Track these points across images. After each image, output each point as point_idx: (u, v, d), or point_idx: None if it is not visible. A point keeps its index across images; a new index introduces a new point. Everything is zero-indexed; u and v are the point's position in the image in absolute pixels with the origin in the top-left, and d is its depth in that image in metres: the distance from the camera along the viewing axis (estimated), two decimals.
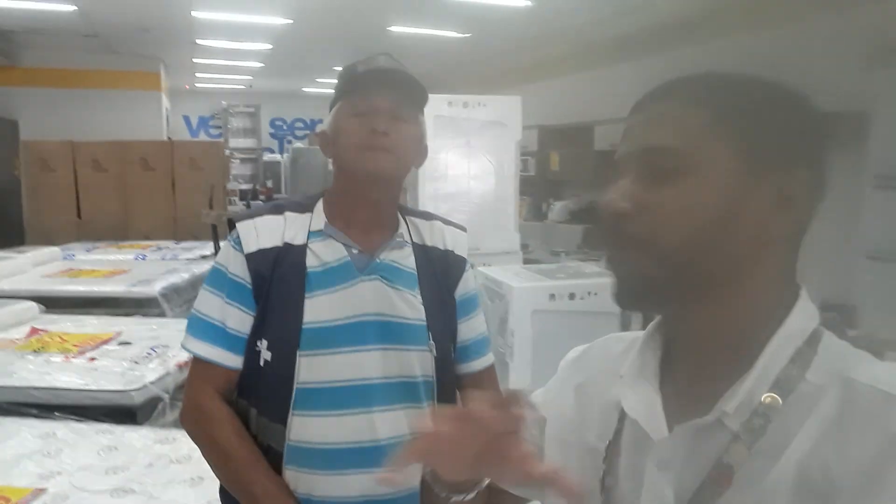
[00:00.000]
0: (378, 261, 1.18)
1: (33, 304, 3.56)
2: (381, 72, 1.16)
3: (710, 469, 0.57)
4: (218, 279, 1.17)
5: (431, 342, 1.17)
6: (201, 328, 1.15)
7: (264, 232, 1.16)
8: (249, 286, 1.15)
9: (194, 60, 8.72)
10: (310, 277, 1.14)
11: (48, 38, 6.97)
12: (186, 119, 12.23)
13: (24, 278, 4.27)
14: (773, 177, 0.58)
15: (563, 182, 7.13)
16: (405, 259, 1.21)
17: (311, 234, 1.18)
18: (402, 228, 1.23)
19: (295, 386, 1.11)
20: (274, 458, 1.13)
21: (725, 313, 0.60)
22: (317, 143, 1.23)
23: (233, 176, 9.95)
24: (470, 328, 1.27)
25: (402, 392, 1.15)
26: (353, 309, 1.14)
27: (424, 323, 1.18)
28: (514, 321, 2.58)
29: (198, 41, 7.29)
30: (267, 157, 10.73)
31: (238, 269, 1.15)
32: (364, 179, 1.15)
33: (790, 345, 0.58)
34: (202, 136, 12.12)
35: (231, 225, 1.22)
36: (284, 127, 12.89)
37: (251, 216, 1.19)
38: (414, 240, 1.24)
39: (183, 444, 2.00)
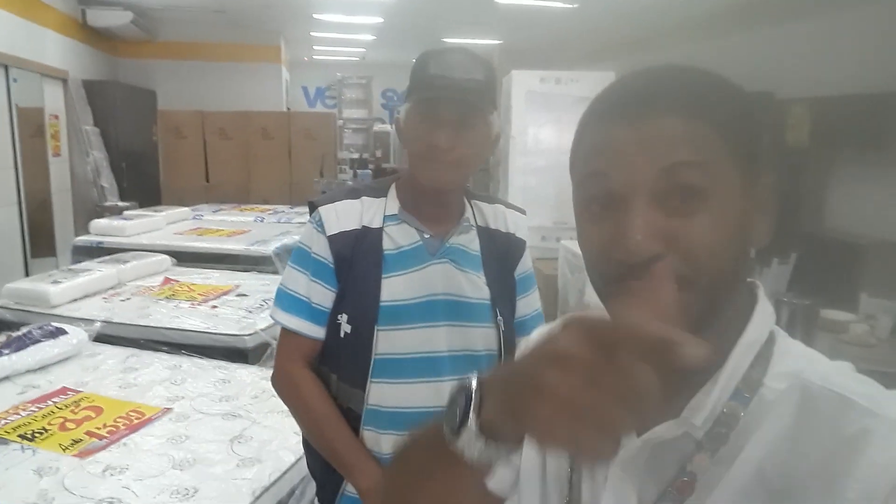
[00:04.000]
0: (447, 245, 1.25)
1: (167, 258, 4.03)
2: (450, 80, 1.16)
3: (673, 477, 0.55)
4: (302, 258, 1.25)
5: (500, 318, 1.26)
6: (288, 302, 1.25)
7: (344, 215, 1.24)
8: (332, 265, 1.23)
9: (312, 34, 9.16)
10: (386, 259, 1.23)
11: (181, 13, 7.57)
12: (304, 90, 12.83)
13: (159, 234, 4.80)
14: (760, 184, 0.56)
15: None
16: (471, 242, 1.29)
17: (386, 217, 1.25)
18: (468, 212, 1.30)
19: (373, 356, 1.20)
20: (353, 419, 1.24)
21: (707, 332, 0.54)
22: (395, 130, 1.29)
23: (345, 146, 10.43)
24: (527, 304, 1.37)
25: (466, 364, 1.23)
26: (425, 289, 1.22)
27: (488, 302, 1.26)
28: (591, 294, 2.69)
29: (315, 15, 7.66)
30: (377, 127, 11.12)
31: (321, 250, 1.23)
32: (428, 185, 1.20)
33: (752, 350, 0.56)
34: (318, 107, 12.69)
35: (312, 207, 1.29)
36: (395, 98, 13.23)
37: (332, 200, 1.27)
38: (478, 223, 1.32)
39: None
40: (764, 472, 0.52)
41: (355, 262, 1.23)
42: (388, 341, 1.21)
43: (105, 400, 2.15)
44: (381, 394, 1.23)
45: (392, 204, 1.27)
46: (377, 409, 1.23)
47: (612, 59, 7.35)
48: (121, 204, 6.30)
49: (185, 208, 5.78)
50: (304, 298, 1.24)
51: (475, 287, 1.26)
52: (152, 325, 2.91)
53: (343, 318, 1.23)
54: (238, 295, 3.38)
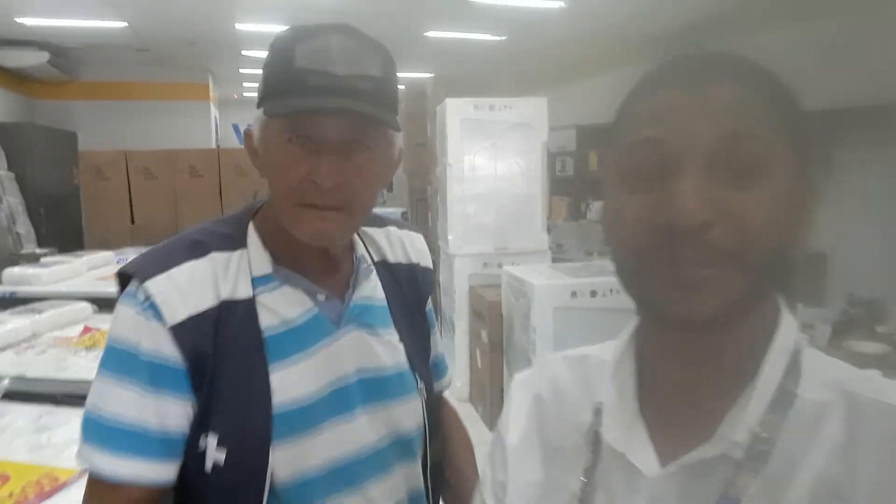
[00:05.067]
0: (352, 305, 0.92)
1: (87, 305, 3.77)
2: (331, 78, 0.77)
3: None
4: (125, 364, 0.81)
5: (420, 385, 0.97)
6: (109, 435, 0.80)
7: (190, 289, 0.82)
8: (181, 367, 0.81)
9: (241, 71, 9.01)
10: (269, 343, 0.85)
11: (103, 52, 7.32)
12: (235, 128, 12.60)
13: (80, 281, 4.52)
14: (812, 171, 0.53)
15: (602, 181, 7.10)
16: (374, 290, 0.97)
17: (256, 281, 0.87)
18: (360, 248, 0.99)
19: (266, 488, 0.82)
20: None
21: (738, 329, 0.53)
22: (245, 148, 0.91)
23: None
24: (436, 341, 1.12)
25: (396, 454, 0.94)
26: (333, 373, 0.89)
27: (407, 367, 0.97)
28: (536, 318, 2.63)
29: (243, 52, 7.54)
30: None
31: (159, 347, 0.81)
32: (303, 240, 0.85)
33: (783, 358, 0.53)
34: None
35: (124, 280, 0.86)
36: None
37: (163, 267, 0.83)
38: (374, 258, 1.00)
39: None
40: (817, 491, 0.48)
41: (222, 357, 0.82)
42: (289, 459, 0.84)
43: (13, 466, 1.94)
44: None
45: (259, 258, 0.88)
46: None
47: (544, 88, 7.50)
48: (38, 251, 5.94)
49: (108, 252, 5.49)
50: (137, 426, 0.80)
51: (392, 352, 0.96)
52: (70, 377, 2.68)
53: (210, 442, 0.81)
54: None
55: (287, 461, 0.84)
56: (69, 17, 5.81)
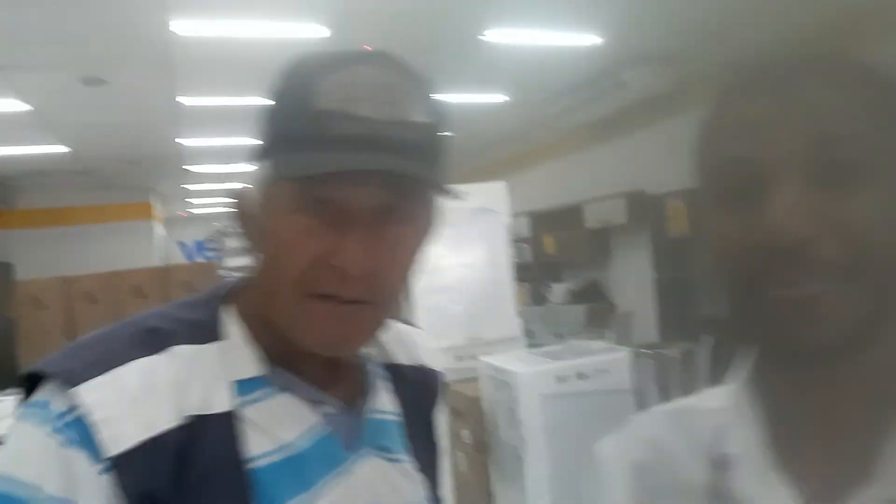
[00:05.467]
0: (369, 419, 0.70)
1: None
2: (373, 124, 0.56)
3: None
4: None
5: None
6: None
7: (142, 400, 0.56)
8: None
9: (184, 187, 8.93)
10: (260, 478, 0.59)
11: (42, 178, 7.16)
12: (182, 244, 12.39)
13: (3, 424, 4.12)
14: None
15: (560, 264, 7.11)
16: (385, 401, 0.74)
17: (239, 387, 0.62)
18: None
19: None
20: None
21: (877, 351, 0.49)
22: (236, 215, 0.67)
23: None
24: (442, 471, 0.87)
25: None
26: None
27: (429, 501, 0.75)
28: (523, 410, 2.45)
29: (185, 167, 7.47)
30: None
31: (70, 492, 0.52)
32: (310, 347, 0.62)
33: None
34: (198, 261, 12.25)
35: (30, 384, 0.58)
36: None
37: (102, 366, 0.57)
38: (383, 360, 0.78)
39: None
40: None
41: (190, 499, 0.57)
42: None
43: None
44: None
45: (243, 354, 0.64)
46: None
47: (501, 173, 7.62)
48: None
49: None
50: None
51: (413, 486, 0.72)
52: None
53: None
54: None
55: None
56: (6, 145, 5.66)
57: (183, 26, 3.52)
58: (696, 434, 0.58)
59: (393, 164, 0.55)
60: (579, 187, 6.49)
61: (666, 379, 2.15)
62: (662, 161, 5.46)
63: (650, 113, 5.53)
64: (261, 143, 0.61)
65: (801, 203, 0.45)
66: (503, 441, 2.66)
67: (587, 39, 4.24)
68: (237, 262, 10.62)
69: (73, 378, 0.55)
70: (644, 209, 5.60)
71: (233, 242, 10.92)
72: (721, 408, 0.57)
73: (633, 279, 5.95)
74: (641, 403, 2.34)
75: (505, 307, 3.48)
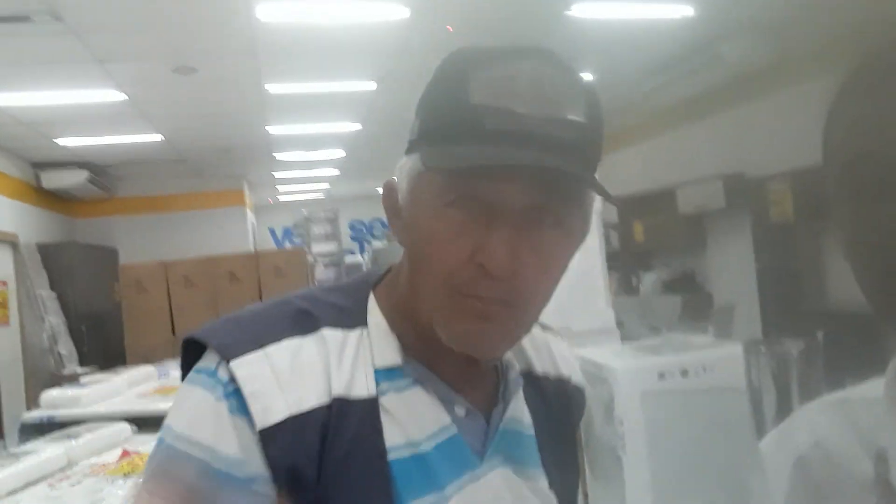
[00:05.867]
0: (502, 427, 0.67)
1: (126, 426, 3.56)
2: (524, 120, 0.54)
3: None
4: (189, 474, 0.56)
5: None
6: None
7: (292, 378, 0.58)
8: (270, 493, 0.56)
9: (274, 174, 9.15)
10: (396, 470, 0.59)
11: (140, 167, 7.49)
12: (272, 231, 12.76)
13: (120, 399, 4.33)
14: None
15: (650, 252, 6.82)
16: (521, 411, 0.70)
17: (380, 375, 0.62)
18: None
19: None
20: None
21: None
22: (384, 207, 0.67)
23: (318, 281, 10.17)
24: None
25: None
26: None
27: None
28: (622, 408, 2.31)
29: (276, 155, 7.63)
30: (348, 259, 10.94)
31: (244, 457, 0.56)
32: (452, 346, 0.60)
33: None
34: (287, 246, 12.59)
35: (189, 350, 0.63)
36: (363, 229, 13.22)
37: (257, 343, 0.59)
38: (519, 366, 0.72)
39: None
40: None
41: (331, 482, 0.57)
42: None
43: None
44: None
45: (385, 343, 0.64)
46: None
47: None
48: (79, 370, 5.82)
49: (150, 366, 5.32)
50: None
51: (542, 501, 0.68)
52: None
53: None
54: None
55: None
56: (106, 135, 5.94)
57: (267, 12, 3.54)
58: (859, 426, 0.56)
59: (548, 160, 0.53)
60: (672, 170, 6.18)
61: (784, 377, 1.97)
62: (763, 141, 5.09)
63: (749, 89, 5.17)
64: (412, 135, 0.61)
65: None
66: (600, 439, 2.53)
67: (679, 11, 3.98)
68: (322, 249, 10.88)
69: (230, 352, 0.58)
70: (744, 193, 5.24)
71: (318, 229, 11.18)
72: (880, 399, 0.55)
73: (730, 269, 5.61)
74: (757, 404, 2.16)
75: (597, 297, 3.33)
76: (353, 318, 0.64)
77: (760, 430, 2.05)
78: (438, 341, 0.61)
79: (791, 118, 4.42)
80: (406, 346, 0.64)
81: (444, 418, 0.63)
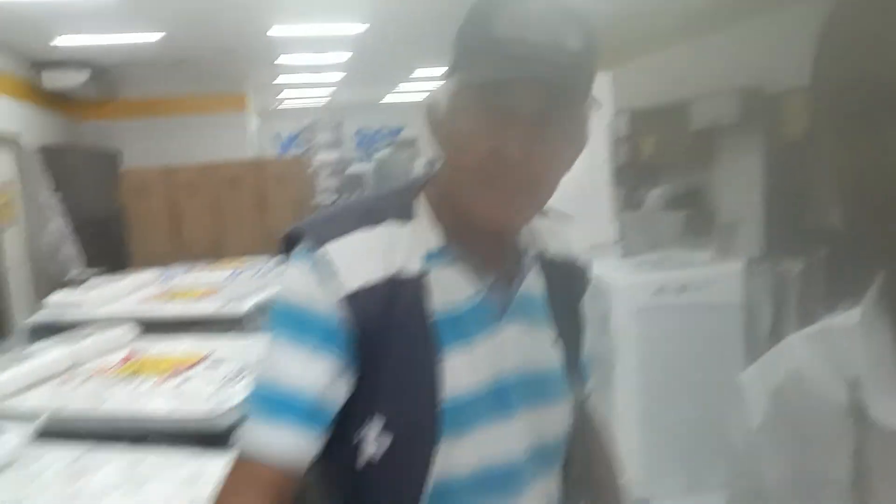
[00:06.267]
0: (519, 295, 0.87)
1: (130, 329, 3.63)
2: (534, 48, 0.73)
3: None
4: (296, 326, 0.78)
5: (575, 389, 0.93)
6: (266, 402, 0.76)
7: (365, 257, 0.79)
8: (352, 338, 0.78)
9: (278, 78, 8.91)
10: (439, 327, 0.80)
11: (141, 69, 7.29)
12: (275, 137, 12.59)
13: (124, 303, 4.40)
14: None
15: (659, 167, 6.69)
16: (536, 282, 0.91)
17: (428, 257, 0.82)
18: (525, 234, 0.92)
19: (428, 485, 0.79)
20: None
21: None
22: (427, 121, 0.84)
23: (321, 190, 10.12)
24: (583, 346, 1.03)
25: (543, 462, 0.89)
26: (494, 368, 0.83)
27: (562, 368, 0.91)
28: (618, 321, 2.32)
29: (279, 59, 7.40)
30: (352, 168, 10.84)
31: (333, 312, 0.77)
32: (480, 223, 0.80)
33: None
34: (292, 153, 12.45)
35: (292, 242, 0.84)
36: (369, 137, 13.03)
37: (340, 231, 0.80)
38: (537, 249, 0.94)
39: None
40: None
41: (390, 336, 0.78)
42: (450, 456, 0.79)
43: None
44: None
45: (430, 232, 0.84)
46: None
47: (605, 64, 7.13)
48: (85, 273, 5.89)
49: (154, 271, 5.37)
50: (297, 394, 0.75)
51: (550, 352, 0.90)
52: (108, 412, 2.49)
53: (373, 426, 0.78)
54: (211, 364, 2.98)
55: (447, 456, 0.79)
56: (105, 33, 5.74)
57: None
58: (834, 355, 0.57)
59: (546, 76, 0.73)
60: (685, 83, 5.96)
61: (782, 296, 1.95)
62: (785, 52, 4.88)
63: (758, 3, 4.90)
64: (450, 63, 0.81)
65: None
66: (594, 351, 2.57)
67: None
68: (326, 157, 10.76)
69: (322, 238, 0.80)
70: (759, 108, 5.06)
71: (322, 136, 11.01)
72: (856, 326, 0.55)
73: (739, 186, 5.50)
74: (753, 320, 2.15)
75: (600, 212, 3.29)
76: (407, 212, 0.84)
77: (753, 349, 2.06)
78: (473, 227, 0.81)
79: (815, 29, 4.21)
80: (447, 233, 0.84)
81: (475, 287, 0.84)
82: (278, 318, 0.80)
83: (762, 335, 2.04)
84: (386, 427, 0.78)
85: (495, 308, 0.85)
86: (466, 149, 0.77)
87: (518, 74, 0.73)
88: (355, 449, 0.79)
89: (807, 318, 0.64)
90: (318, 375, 0.75)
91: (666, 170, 6.62)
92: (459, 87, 0.78)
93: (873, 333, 0.54)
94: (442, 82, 0.82)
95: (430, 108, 0.83)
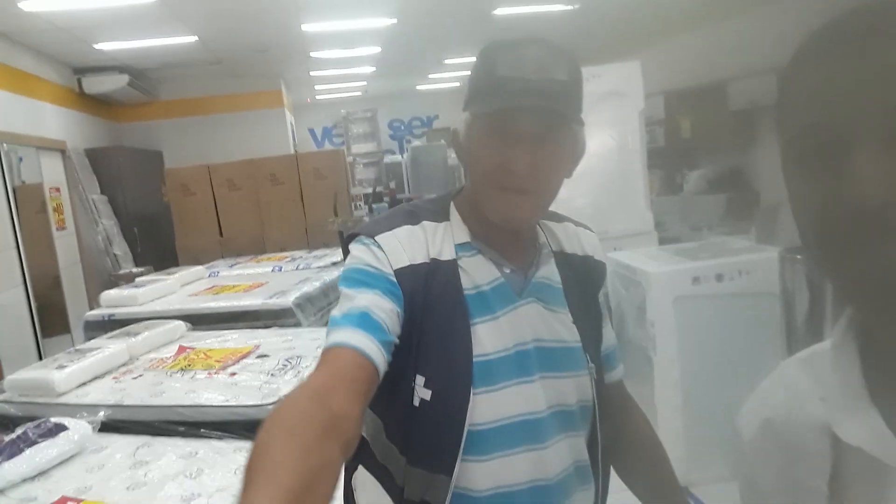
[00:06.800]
0: (533, 281, 1.05)
1: (181, 324, 3.76)
2: (527, 82, 0.91)
3: None
4: (364, 276, 0.96)
5: (591, 365, 1.06)
6: (347, 317, 0.90)
7: (408, 245, 1.00)
8: (403, 301, 0.96)
9: (311, 73, 9.02)
10: (468, 301, 1.00)
11: (178, 70, 7.46)
12: (312, 132, 12.73)
13: (174, 298, 4.54)
14: None
15: (698, 149, 6.59)
16: (552, 273, 1.08)
17: (457, 248, 1.03)
18: (541, 235, 1.10)
19: (466, 428, 0.95)
20: None
21: None
22: (448, 141, 1.10)
23: (358, 181, 10.21)
24: (609, 333, 1.17)
25: (562, 422, 1.04)
26: (515, 337, 1.01)
27: (580, 345, 1.05)
28: (654, 311, 2.32)
29: (312, 54, 7.49)
30: (388, 158, 10.91)
31: (392, 275, 0.97)
32: (496, 221, 0.99)
33: None
34: (327, 146, 12.57)
35: (347, 240, 1.05)
36: (402, 127, 13.07)
37: (388, 227, 1.02)
38: (553, 247, 1.11)
39: None
40: None
41: (431, 307, 0.97)
42: (482, 407, 0.97)
43: None
44: (474, 475, 0.98)
45: (460, 230, 1.04)
46: (469, 495, 0.99)
47: (623, 54, 7.05)
48: (134, 270, 6.10)
49: (200, 267, 5.54)
50: (367, 309, 0.91)
51: (567, 328, 1.06)
52: (165, 403, 2.61)
53: (419, 380, 0.97)
54: (258, 357, 3.08)
55: (480, 407, 0.96)
56: (143, 38, 5.90)
57: None
58: (816, 377, 0.60)
59: (541, 104, 0.91)
60: (722, 63, 5.85)
61: (820, 284, 1.94)
62: None
63: None
64: (465, 98, 1.00)
65: (877, 170, 0.45)
66: (631, 340, 2.57)
67: None
68: (362, 148, 10.84)
69: (374, 233, 1.01)
70: None
71: (357, 128, 11.09)
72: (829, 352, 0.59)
73: (780, 168, 5.39)
74: (790, 309, 2.14)
75: (636, 199, 3.28)
76: (441, 215, 1.05)
77: (791, 337, 2.05)
78: (492, 226, 1.00)
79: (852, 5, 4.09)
80: (473, 232, 1.04)
81: (496, 273, 1.02)
82: (352, 274, 0.97)
83: (800, 323, 2.03)
84: (428, 383, 0.95)
85: (514, 290, 1.03)
86: (481, 164, 0.97)
87: (518, 104, 0.91)
88: (410, 393, 0.96)
89: (840, 306, 0.66)
90: (385, 308, 0.92)
91: (706, 151, 6.52)
92: (473, 117, 0.98)
93: (841, 360, 0.57)
94: (462, 115, 1.02)
95: (453, 134, 1.05)
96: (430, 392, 0.95)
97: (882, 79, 0.46)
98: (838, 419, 0.55)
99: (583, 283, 1.11)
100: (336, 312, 0.92)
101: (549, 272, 1.07)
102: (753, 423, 0.66)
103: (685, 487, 2.65)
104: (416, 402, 0.95)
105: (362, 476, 1.06)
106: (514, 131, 0.93)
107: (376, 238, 0.99)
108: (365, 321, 0.89)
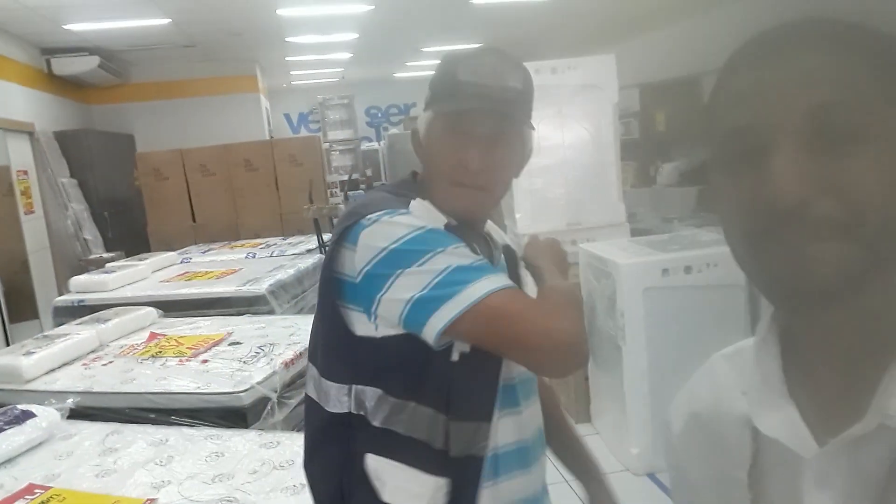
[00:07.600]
0: (498, 266, 1.13)
1: (152, 310, 3.72)
2: (483, 88, 1.01)
3: (888, 476, 0.50)
4: (440, 234, 1.00)
5: None
6: (474, 272, 0.96)
7: (425, 215, 1.06)
8: None
9: (287, 59, 8.91)
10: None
11: (151, 52, 7.33)
12: (287, 117, 12.59)
13: (145, 285, 4.49)
14: None
15: (672, 142, 6.68)
16: (498, 255, 1.18)
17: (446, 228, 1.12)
18: (490, 228, 1.20)
19: (501, 381, 1.04)
20: (473, 469, 1.02)
21: (881, 298, 0.52)
22: (412, 143, 1.14)
23: (334, 168, 10.15)
24: None
25: (527, 389, 1.14)
26: None
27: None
28: (624, 301, 2.37)
29: (288, 39, 7.41)
30: (365, 145, 10.85)
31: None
32: (451, 214, 1.06)
33: None
34: (303, 132, 12.45)
35: (350, 223, 1.07)
36: (379, 114, 13.00)
37: (398, 203, 1.06)
38: (499, 241, 1.21)
39: (286, 448, 1.98)
40: None
41: None
42: (508, 365, 1.07)
43: (78, 495, 1.83)
44: (507, 428, 1.07)
45: (438, 214, 1.07)
46: (507, 449, 1.07)
47: (599, 47, 7.08)
48: (105, 256, 6.01)
49: (172, 253, 5.47)
50: (475, 262, 0.98)
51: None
52: (136, 391, 2.59)
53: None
54: (231, 344, 3.07)
55: (507, 366, 1.06)
56: (114, 20, 5.78)
57: None
58: (741, 371, 0.63)
59: (495, 108, 1.02)
60: (697, 57, 5.92)
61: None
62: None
63: None
64: (427, 100, 1.09)
65: (795, 168, 0.47)
66: (601, 330, 2.61)
67: None
68: (338, 135, 10.76)
69: (396, 207, 1.03)
70: None
71: (333, 115, 11.00)
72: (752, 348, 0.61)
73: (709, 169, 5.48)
74: (755, 300, 2.20)
75: (609, 191, 3.31)
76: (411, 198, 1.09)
77: (756, 328, 2.10)
78: (459, 220, 1.07)
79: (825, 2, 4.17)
80: (448, 224, 1.08)
81: (478, 255, 1.05)
82: (428, 235, 0.98)
83: (764, 314, 2.08)
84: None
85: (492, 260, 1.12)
86: (440, 161, 1.05)
87: (475, 107, 1.01)
88: (448, 350, 1.00)
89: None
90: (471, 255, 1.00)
91: (680, 144, 6.60)
92: (434, 117, 1.06)
93: (762, 355, 0.59)
94: (423, 115, 1.09)
95: (413, 134, 1.12)
96: (468, 347, 1.00)
97: (802, 84, 0.48)
98: (758, 412, 0.58)
99: (511, 260, 1.20)
100: (462, 261, 0.96)
101: (498, 254, 1.18)
102: (682, 416, 0.69)
103: (653, 473, 2.71)
104: (455, 357, 1.00)
105: (377, 466, 1.04)
106: (471, 131, 1.01)
107: (411, 205, 1.03)
108: (485, 266, 0.99)
